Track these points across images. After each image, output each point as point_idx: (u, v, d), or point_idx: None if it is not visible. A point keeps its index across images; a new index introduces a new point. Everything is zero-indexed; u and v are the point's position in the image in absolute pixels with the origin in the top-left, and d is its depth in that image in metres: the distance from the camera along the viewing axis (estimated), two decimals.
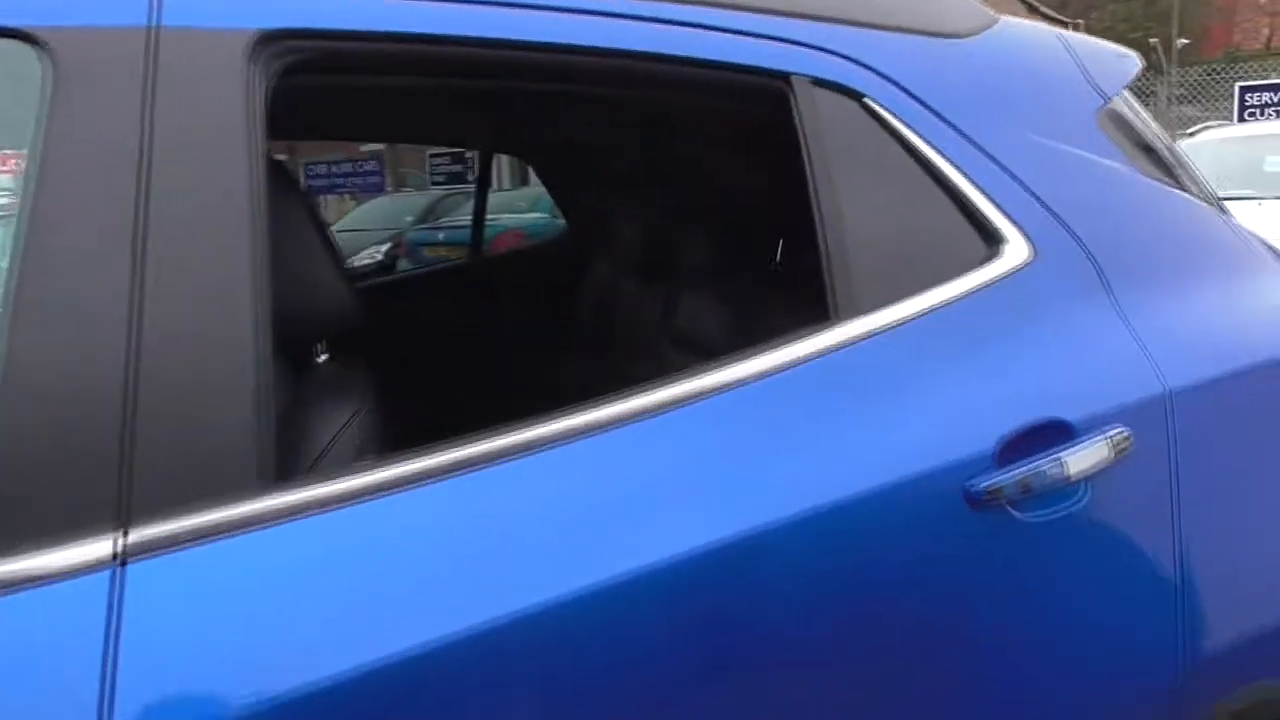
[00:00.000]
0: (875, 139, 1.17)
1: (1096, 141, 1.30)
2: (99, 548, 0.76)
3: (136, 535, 0.78)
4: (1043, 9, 24.39)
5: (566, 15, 1.06)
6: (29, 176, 0.83)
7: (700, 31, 1.12)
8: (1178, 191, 1.37)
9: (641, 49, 1.10)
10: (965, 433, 1.06)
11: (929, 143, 1.18)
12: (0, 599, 0.74)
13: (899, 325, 1.09)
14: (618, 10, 1.09)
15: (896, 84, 1.19)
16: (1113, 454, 1.09)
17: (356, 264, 9.67)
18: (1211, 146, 6.65)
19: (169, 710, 0.75)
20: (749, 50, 1.14)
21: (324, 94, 1.21)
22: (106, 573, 0.76)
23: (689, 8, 1.12)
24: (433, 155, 14.81)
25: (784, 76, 1.15)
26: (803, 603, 0.98)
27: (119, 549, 0.77)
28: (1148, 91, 12.31)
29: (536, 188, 10.28)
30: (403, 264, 9.35)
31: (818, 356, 1.05)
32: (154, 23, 0.89)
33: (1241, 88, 10.48)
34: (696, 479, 0.97)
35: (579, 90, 1.21)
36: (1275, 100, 10.11)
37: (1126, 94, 1.42)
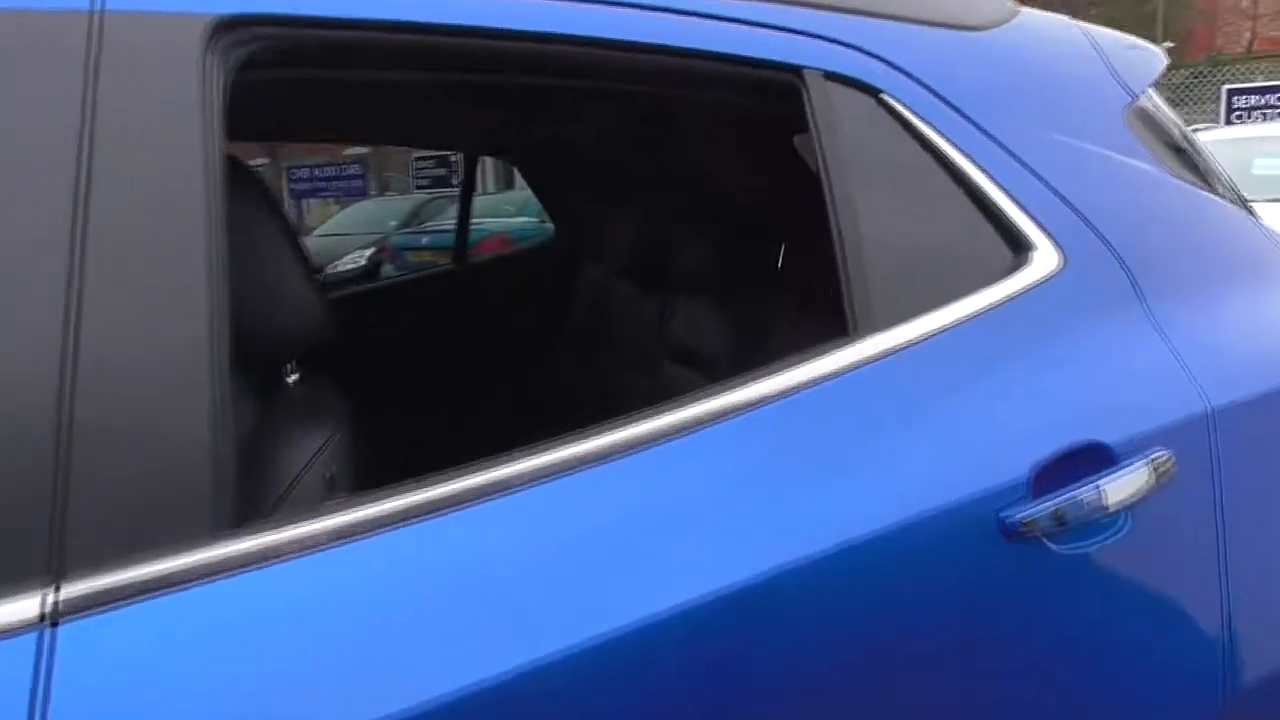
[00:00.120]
0: (893, 137, 1.08)
1: (1125, 141, 1.22)
2: (24, 607, 0.66)
3: (70, 591, 0.67)
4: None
5: (560, 3, 0.97)
6: None
7: (703, 21, 1.03)
8: (1209, 194, 1.28)
9: (641, 40, 1.00)
10: (997, 459, 0.97)
11: (951, 141, 1.09)
12: None
13: (923, 341, 1.00)
14: None
15: (915, 78, 1.10)
16: (1154, 479, 1.01)
17: (339, 269, 9.55)
18: None
19: None
20: (757, 41, 1.05)
21: (294, 89, 1.11)
22: (32, 636, 0.66)
23: None
24: (416, 158, 14.68)
25: (795, 70, 1.05)
26: (830, 644, 0.88)
27: (48, 608, 0.67)
28: None
29: (522, 191, 10.20)
30: (387, 269, 9.23)
31: (836, 376, 0.96)
32: (98, 6, 0.79)
33: (1229, 90, 10.48)
34: (710, 513, 0.87)
35: (572, 84, 1.11)
36: (1262, 103, 10.11)
37: (1152, 92, 1.34)
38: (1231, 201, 1.33)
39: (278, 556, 0.73)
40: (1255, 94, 10.24)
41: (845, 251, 1.01)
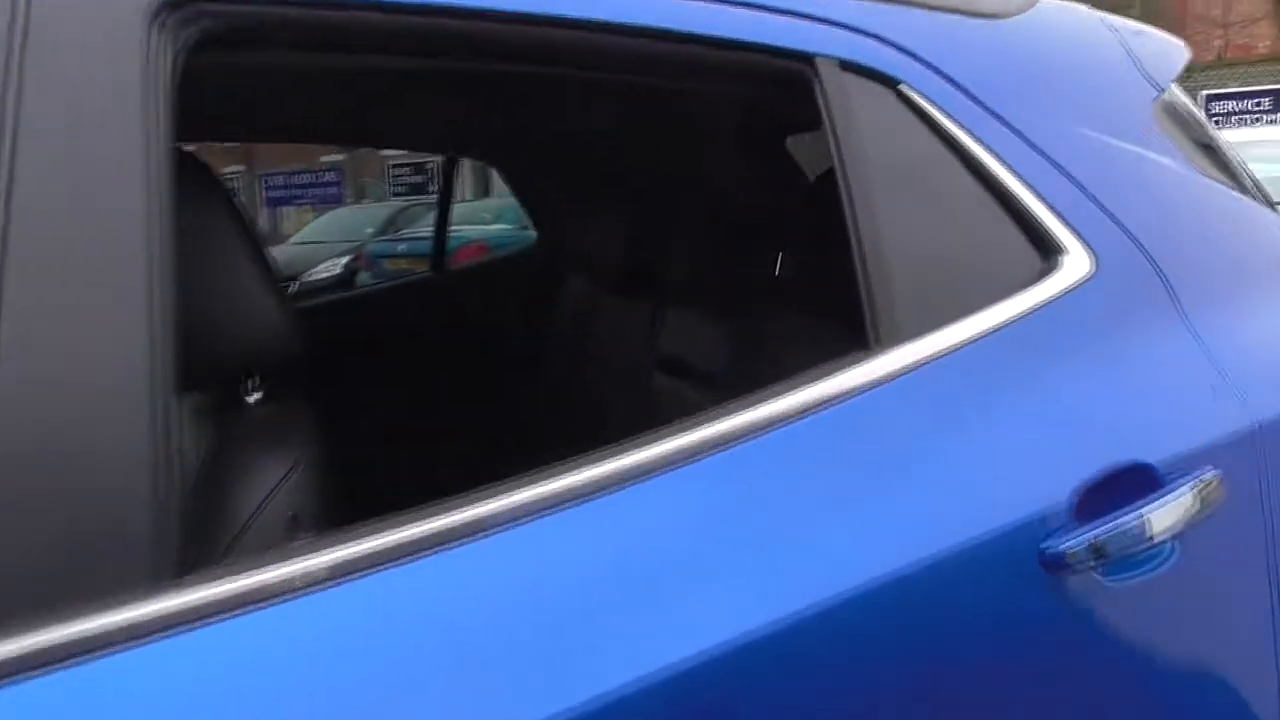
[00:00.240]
0: (915, 133, 0.99)
1: (1154, 138, 1.14)
2: None
3: None
4: None
5: None
6: None
7: (704, 3, 0.93)
8: (1239, 194, 1.20)
9: (635, 22, 0.91)
10: (1036, 484, 0.88)
11: (975, 137, 1.00)
12: None
13: (950, 354, 0.91)
14: None
15: (936, 69, 1.01)
16: (1202, 502, 0.92)
17: (314, 277, 9.42)
18: None
19: None
20: (764, 26, 0.95)
21: (256, 76, 1.01)
22: None
23: None
24: (393, 165, 14.55)
25: (807, 58, 0.96)
26: (859, 692, 0.79)
27: None
28: None
29: (499, 199, 10.10)
30: (363, 277, 9.10)
31: (857, 394, 0.87)
32: None
33: (1207, 96, 10.51)
34: (721, 551, 0.78)
35: (560, 74, 1.02)
36: (1240, 109, 10.15)
37: (1175, 87, 1.26)
38: (1260, 202, 1.25)
39: (229, 611, 0.63)
40: (1234, 99, 10.28)
41: (865, 257, 0.92)
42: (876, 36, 0.99)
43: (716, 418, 0.83)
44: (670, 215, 1.77)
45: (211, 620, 0.62)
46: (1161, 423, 0.97)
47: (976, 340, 0.93)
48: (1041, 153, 1.03)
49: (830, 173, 1.30)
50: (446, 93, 1.29)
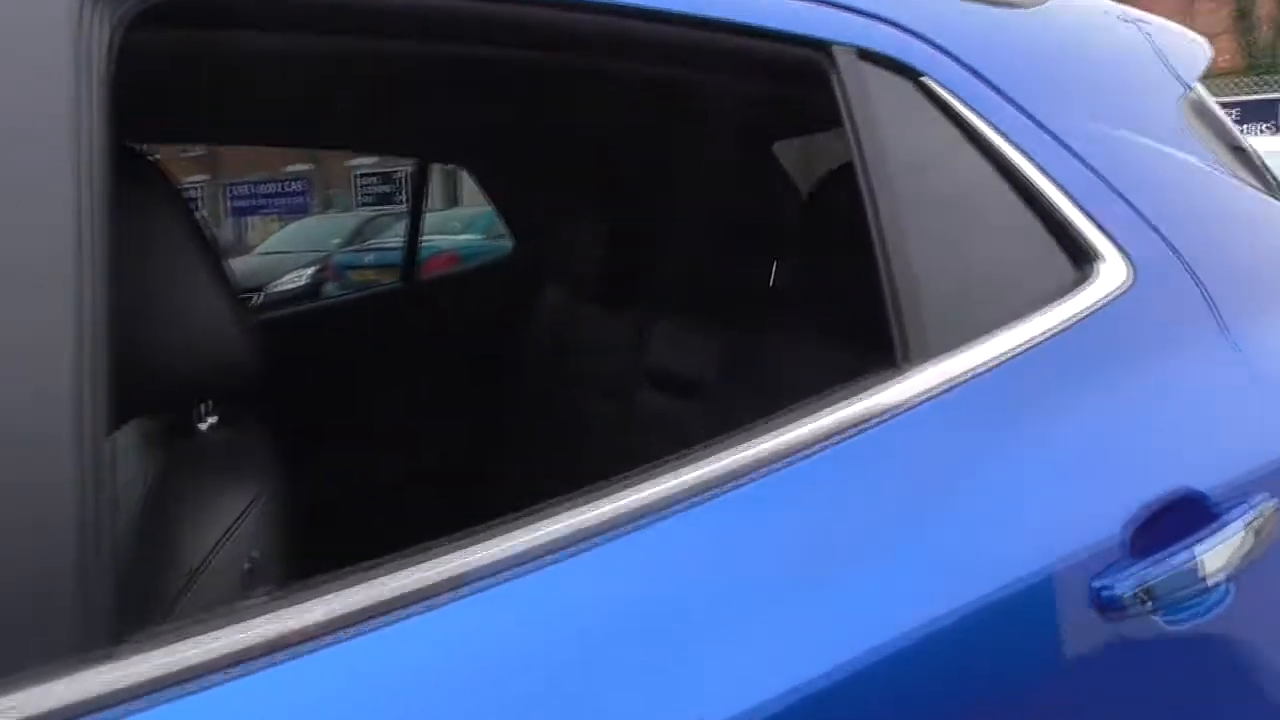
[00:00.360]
0: (939, 129, 0.91)
1: (1184, 137, 1.06)
2: None
3: None
4: None
5: None
6: None
7: None
8: (1269, 198, 1.13)
9: (634, 2, 0.81)
10: (1085, 516, 0.80)
11: (1005, 136, 0.92)
12: None
13: (985, 372, 0.83)
14: None
15: (960, 60, 0.93)
16: (1257, 536, 0.84)
17: (280, 288, 9.23)
18: None
19: None
20: (775, 9, 0.86)
21: (206, 63, 0.90)
22: None
23: None
24: (360, 175, 14.36)
25: (823, 46, 0.87)
26: None
27: None
28: None
29: (468, 208, 9.96)
30: (329, 287, 8.92)
31: (888, 418, 0.78)
32: None
33: None
34: (739, 603, 0.68)
35: (547, 61, 0.92)
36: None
37: (1200, 85, 1.19)
38: None
39: (171, 686, 0.53)
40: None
41: (891, 266, 0.83)
42: (896, 24, 0.91)
43: (731, 447, 0.73)
44: (659, 220, 1.67)
45: (152, 698, 0.52)
46: (1211, 445, 0.89)
47: (1013, 357, 0.84)
48: (1074, 153, 0.95)
49: (832, 175, 1.23)
50: (422, 84, 1.19)
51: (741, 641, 0.67)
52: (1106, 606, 0.76)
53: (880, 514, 0.75)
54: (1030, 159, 0.92)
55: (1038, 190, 0.92)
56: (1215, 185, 1.06)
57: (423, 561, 0.61)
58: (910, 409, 0.79)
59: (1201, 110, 1.12)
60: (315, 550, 0.73)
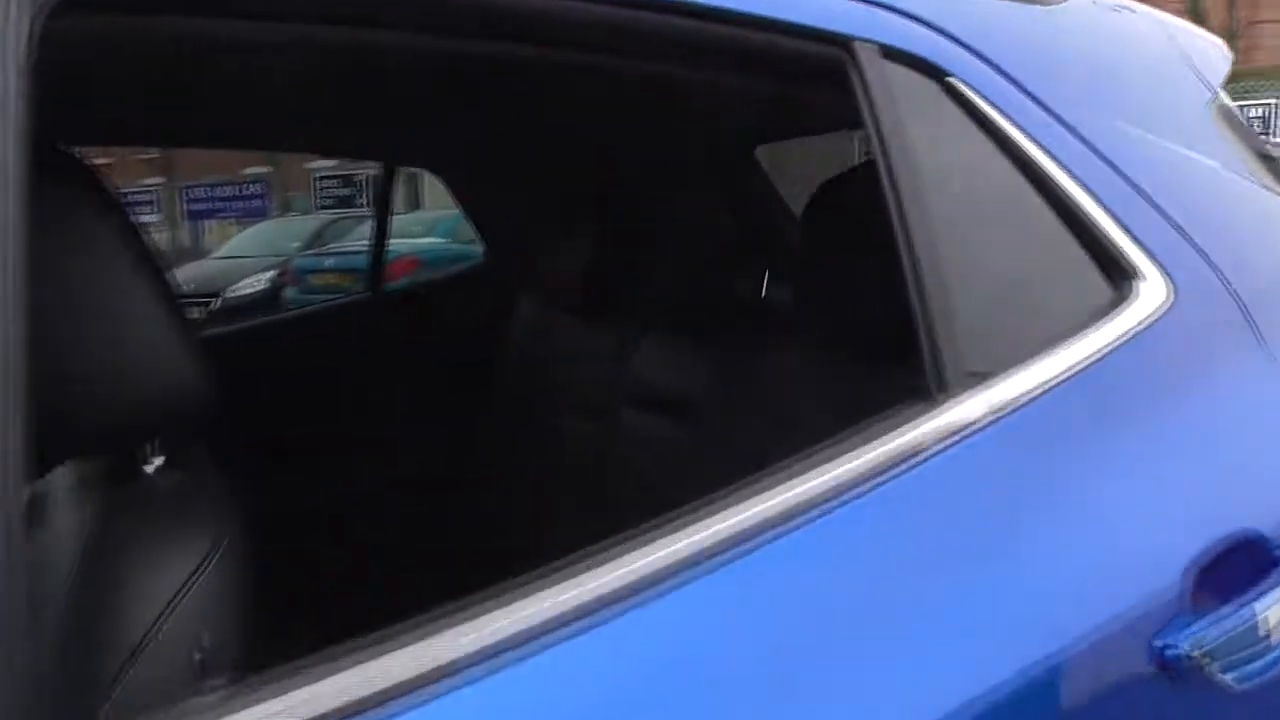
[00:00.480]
0: (967, 134, 0.83)
1: (1216, 144, 1.00)
2: None
3: None
4: None
5: None
6: None
7: None
8: None
9: None
10: (1143, 566, 0.72)
11: (1038, 143, 0.84)
12: None
13: (1027, 404, 0.75)
14: None
15: (988, 60, 0.85)
16: None
17: (238, 293, 9.03)
18: None
19: None
20: (791, 2, 0.78)
21: (140, 55, 0.79)
22: None
23: None
24: (320, 177, 14.11)
25: (843, 42, 0.79)
26: None
27: None
28: None
29: (430, 211, 9.81)
30: (289, 292, 8.73)
31: (927, 458, 0.70)
32: None
33: None
34: (763, 677, 0.60)
35: (538, 55, 0.82)
36: None
37: (1223, 90, 1.12)
38: None
39: None
40: None
41: (923, 286, 0.75)
42: (922, 20, 0.83)
43: (753, 494, 0.65)
44: (643, 228, 1.58)
45: None
46: (1266, 480, 0.81)
47: (1055, 387, 0.76)
48: (1109, 162, 0.87)
49: (837, 180, 1.15)
50: (389, 83, 1.09)
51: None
52: (1170, 664, 0.69)
53: (924, 570, 0.66)
54: (1066, 170, 0.85)
55: (1075, 204, 0.84)
56: (1248, 196, 0.99)
57: (411, 637, 0.52)
58: (950, 448, 0.70)
59: (1229, 116, 1.06)
60: (278, 615, 0.64)
